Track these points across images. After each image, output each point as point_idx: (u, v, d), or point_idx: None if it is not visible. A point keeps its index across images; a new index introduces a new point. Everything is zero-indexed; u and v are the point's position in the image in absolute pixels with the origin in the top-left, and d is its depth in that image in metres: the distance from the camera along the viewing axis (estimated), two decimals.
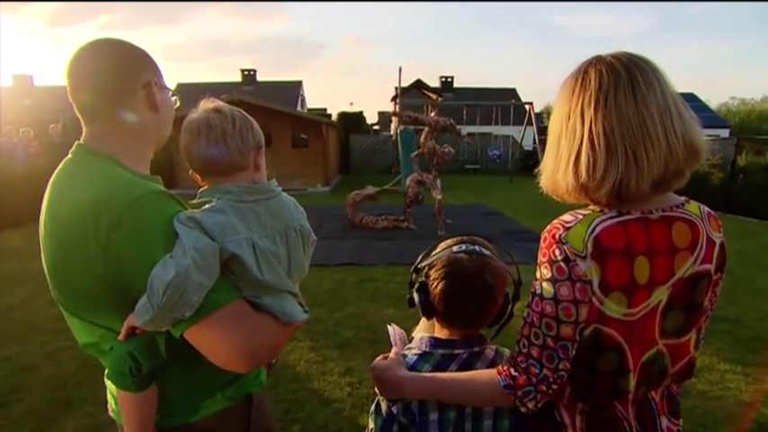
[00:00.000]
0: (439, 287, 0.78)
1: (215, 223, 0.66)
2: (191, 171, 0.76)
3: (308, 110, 26.18)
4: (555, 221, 0.70)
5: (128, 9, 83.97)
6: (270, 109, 10.66)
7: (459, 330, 0.82)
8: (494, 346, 0.85)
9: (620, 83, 0.65)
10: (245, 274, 0.68)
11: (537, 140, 11.93)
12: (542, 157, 0.75)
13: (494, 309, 0.80)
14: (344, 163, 15.64)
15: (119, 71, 0.72)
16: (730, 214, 7.88)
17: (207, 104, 0.76)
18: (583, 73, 0.69)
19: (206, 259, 0.62)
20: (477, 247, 0.80)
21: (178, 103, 0.86)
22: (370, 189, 6.12)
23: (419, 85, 7.89)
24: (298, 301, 0.82)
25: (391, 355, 0.84)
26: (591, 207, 0.70)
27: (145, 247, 0.63)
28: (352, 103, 44.48)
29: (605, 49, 0.71)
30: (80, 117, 0.74)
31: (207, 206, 0.69)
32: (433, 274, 0.80)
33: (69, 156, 0.73)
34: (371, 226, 6.07)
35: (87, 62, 0.71)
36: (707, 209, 0.74)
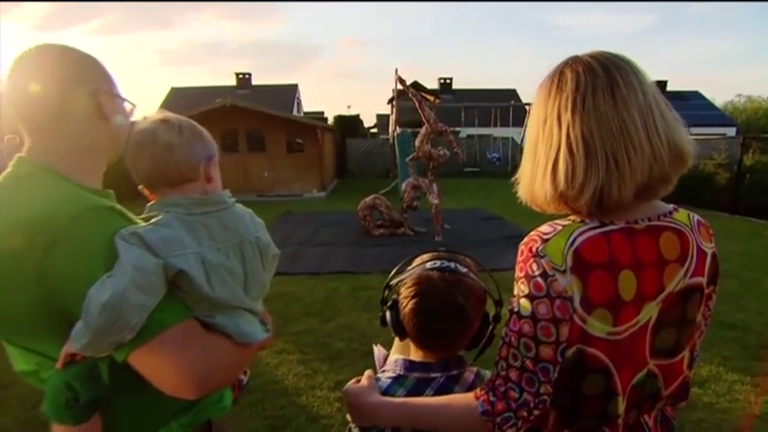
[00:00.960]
0: (408, 306, 0.75)
1: (159, 238, 0.63)
2: (140, 185, 0.73)
3: (305, 113, 26.27)
4: (532, 233, 0.66)
5: (120, 12, 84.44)
6: (264, 113, 10.69)
7: (433, 353, 0.78)
8: (474, 369, 0.81)
9: (598, 83, 0.62)
10: (193, 291, 0.64)
11: None
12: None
13: (468, 330, 0.76)
14: (341, 167, 15.65)
15: (61, 78, 0.69)
16: (737, 215, 7.85)
17: (154, 115, 0.74)
18: (559, 74, 0.66)
19: (147, 277, 0.59)
20: (452, 264, 0.77)
21: (135, 113, 0.83)
22: (395, 215, 6.02)
23: (416, 87, 7.88)
24: (260, 319, 0.79)
25: (364, 378, 0.80)
26: (571, 217, 0.67)
27: (84, 267, 0.59)
28: (349, 106, 44.77)
29: (607, 48, 0.68)
30: (21, 128, 0.71)
31: (153, 220, 0.66)
32: (404, 291, 0.77)
33: (9, 169, 0.69)
34: (371, 230, 6.04)
35: (28, 68, 0.68)
36: (697, 217, 0.71)
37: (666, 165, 0.63)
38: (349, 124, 17.75)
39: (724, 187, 8.48)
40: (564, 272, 0.61)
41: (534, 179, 0.67)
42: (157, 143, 0.70)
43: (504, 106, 14.97)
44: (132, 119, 0.81)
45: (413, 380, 0.78)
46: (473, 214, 7.96)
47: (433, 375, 0.77)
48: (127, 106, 0.80)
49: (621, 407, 0.66)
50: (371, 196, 6.11)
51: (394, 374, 0.80)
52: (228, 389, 0.89)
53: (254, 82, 26.32)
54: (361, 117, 20.76)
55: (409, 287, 0.77)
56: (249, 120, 10.68)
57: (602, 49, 0.67)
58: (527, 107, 12.49)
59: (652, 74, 0.65)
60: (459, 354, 0.81)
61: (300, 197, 10.39)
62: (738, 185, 8.20)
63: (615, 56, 0.65)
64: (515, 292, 0.66)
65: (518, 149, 14.35)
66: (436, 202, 5.74)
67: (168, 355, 0.61)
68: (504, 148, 15.69)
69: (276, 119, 10.79)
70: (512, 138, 15.30)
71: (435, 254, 0.81)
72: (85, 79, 0.71)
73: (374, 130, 24.76)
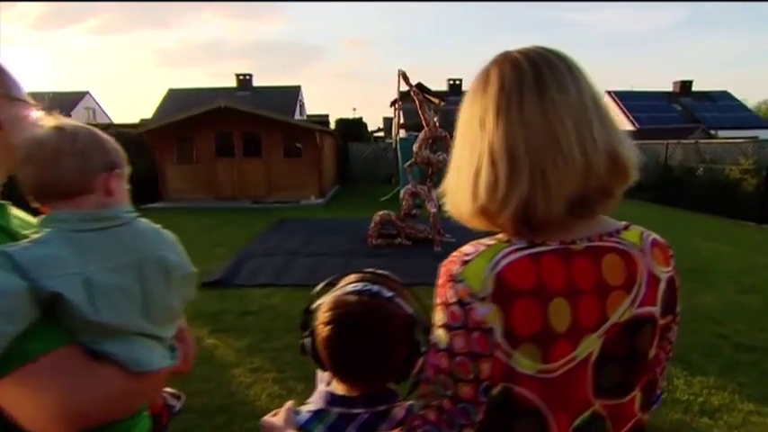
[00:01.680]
0: (322, 334, 0.72)
1: (33, 257, 0.59)
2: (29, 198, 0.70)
3: (308, 116, 26.51)
4: (454, 253, 0.61)
5: (117, 11, 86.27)
6: (260, 116, 10.77)
7: (354, 385, 0.74)
8: (407, 404, 0.76)
9: (525, 83, 0.58)
10: (73, 316, 0.61)
11: None
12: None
13: (388, 361, 0.72)
14: (343, 173, 15.68)
15: None
16: (766, 225, 7.63)
17: (49, 122, 0.71)
18: (485, 74, 0.62)
19: (8, 302, 0.55)
20: (374, 288, 0.72)
21: (47, 119, 0.80)
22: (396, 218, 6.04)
23: (420, 89, 7.86)
24: (170, 344, 0.75)
25: (282, 411, 0.76)
26: (498, 236, 0.62)
27: None
28: (354, 109, 45.06)
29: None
30: None
31: (31, 237, 0.63)
32: (320, 317, 0.73)
33: None
34: (372, 238, 6.01)
35: None
36: (653, 237, 0.65)
37: (604, 176, 0.58)
38: (352, 128, 17.83)
39: (751, 195, 8.27)
40: (483, 299, 0.56)
41: (458, 192, 0.63)
42: (44, 151, 0.67)
43: None
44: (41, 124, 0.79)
45: (334, 415, 0.73)
46: None
47: (356, 411, 0.73)
48: (33, 111, 0.77)
49: None
50: (395, 215, 6.10)
51: (315, 408, 0.75)
52: (145, 417, 0.85)
53: (256, 83, 26.67)
54: (368, 120, 20.93)
55: (325, 312, 0.73)
56: (245, 123, 10.77)
57: (538, 45, 0.62)
58: None
59: (676, 74, 0.60)
60: (388, 387, 0.76)
61: (298, 204, 10.38)
62: (767, 192, 7.99)
63: (550, 52, 0.61)
64: (434, 321, 0.61)
65: None
66: (434, 210, 5.69)
67: (34, 389, 0.57)
68: None
69: (273, 122, 10.87)
70: None
71: (360, 275, 0.77)
72: None
73: (380, 134, 24.83)
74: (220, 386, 2.61)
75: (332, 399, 0.75)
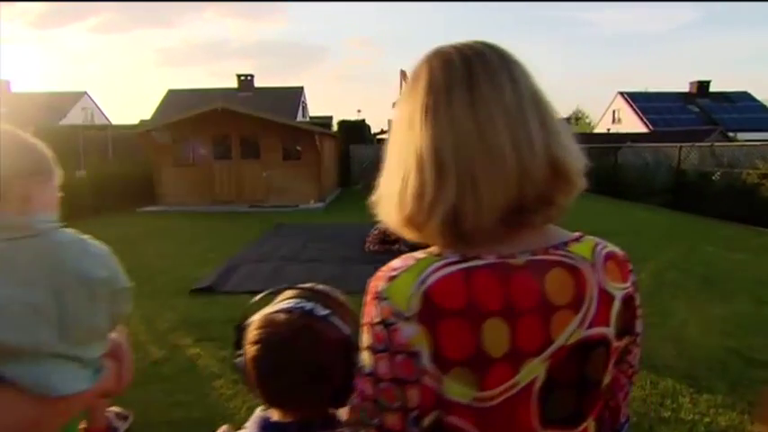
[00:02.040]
0: (249, 354, 0.69)
1: None
2: None
3: (311, 118, 26.66)
4: (383, 268, 0.58)
5: (118, 10, 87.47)
6: (258, 118, 10.82)
7: (288, 411, 0.70)
8: (346, 431, 0.72)
9: (455, 81, 0.54)
10: None
11: None
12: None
13: (318, 385, 0.68)
14: (345, 176, 15.68)
15: None
16: None
17: None
18: (416, 72, 0.59)
19: None
20: (308, 305, 0.69)
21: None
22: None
23: None
24: (96, 365, 0.72)
25: None
26: (430, 249, 0.58)
27: None
28: (359, 111, 45.25)
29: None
30: None
31: None
32: (249, 335, 0.70)
33: None
34: (370, 244, 5.98)
35: None
36: (608, 249, 0.60)
37: (542, 184, 0.54)
38: (354, 130, 17.85)
39: None
40: (408, 319, 0.52)
41: (387, 199, 0.59)
42: None
43: None
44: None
45: None
46: None
47: None
48: None
49: None
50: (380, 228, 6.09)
51: None
52: None
53: (258, 84, 26.90)
54: (372, 122, 20.99)
55: (253, 330, 0.70)
56: (243, 125, 10.82)
57: (479, 39, 0.59)
58: None
59: (691, 74, 0.56)
60: (327, 412, 0.72)
61: (296, 208, 10.38)
62: None
63: (486, 46, 0.57)
64: (360, 342, 0.57)
65: None
66: None
67: None
68: None
69: (271, 124, 10.90)
70: None
71: (297, 291, 0.74)
72: None
73: (384, 137, 24.84)
74: (201, 398, 2.58)
75: (266, 424, 0.71)
